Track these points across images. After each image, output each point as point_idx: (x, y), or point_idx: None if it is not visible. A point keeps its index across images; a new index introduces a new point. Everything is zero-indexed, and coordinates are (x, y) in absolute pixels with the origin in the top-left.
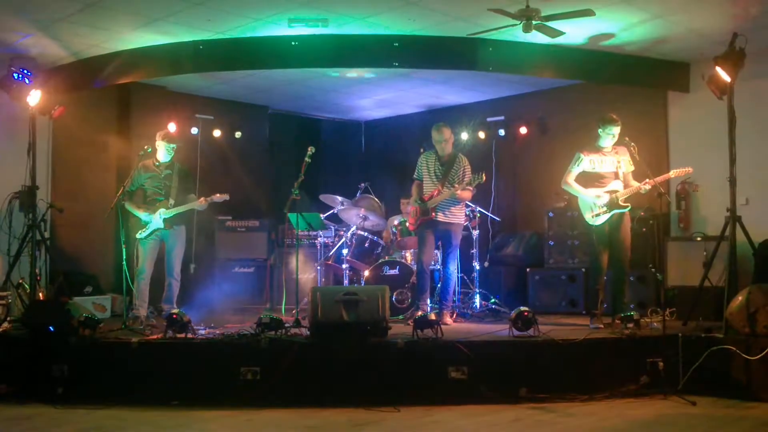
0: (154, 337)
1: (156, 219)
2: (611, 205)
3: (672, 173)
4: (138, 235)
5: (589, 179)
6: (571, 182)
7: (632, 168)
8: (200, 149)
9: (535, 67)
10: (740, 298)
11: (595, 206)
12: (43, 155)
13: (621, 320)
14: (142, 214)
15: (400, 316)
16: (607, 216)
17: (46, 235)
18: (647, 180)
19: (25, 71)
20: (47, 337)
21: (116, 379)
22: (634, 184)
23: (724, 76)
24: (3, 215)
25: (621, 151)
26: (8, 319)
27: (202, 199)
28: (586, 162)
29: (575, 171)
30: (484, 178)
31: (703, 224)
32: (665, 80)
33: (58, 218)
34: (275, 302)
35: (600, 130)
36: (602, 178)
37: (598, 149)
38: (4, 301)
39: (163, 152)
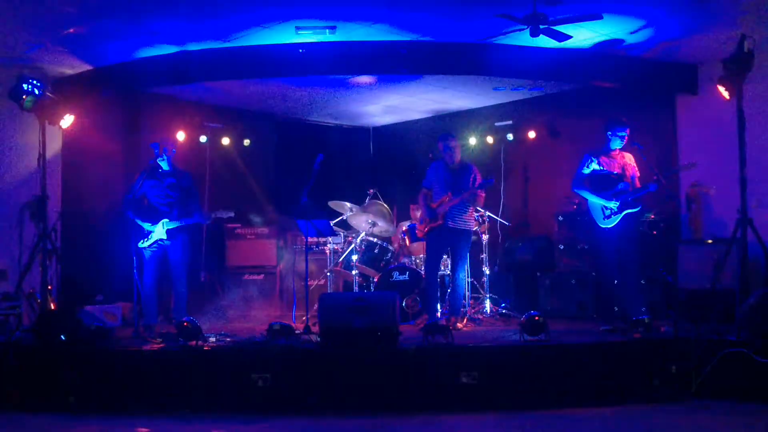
0: (165, 345)
1: (159, 230)
2: (623, 205)
3: (679, 168)
4: (140, 245)
5: (598, 181)
6: (581, 184)
7: (638, 174)
8: (209, 157)
9: (542, 71)
10: (752, 300)
11: (606, 209)
12: (53, 165)
13: (632, 324)
14: (144, 225)
15: (411, 322)
16: (618, 217)
17: (57, 244)
18: (655, 177)
19: (35, 81)
20: (59, 346)
21: (128, 388)
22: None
23: (733, 77)
24: (14, 225)
25: (627, 156)
26: (20, 328)
27: (205, 214)
28: (595, 164)
29: (585, 173)
30: (493, 182)
31: (714, 226)
32: (673, 83)
33: (68, 228)
34: (285, 309)
35: (609, 133)
36: (611, 180)
37: (606, 152)
38: (15, 311)
39: (161, 160)
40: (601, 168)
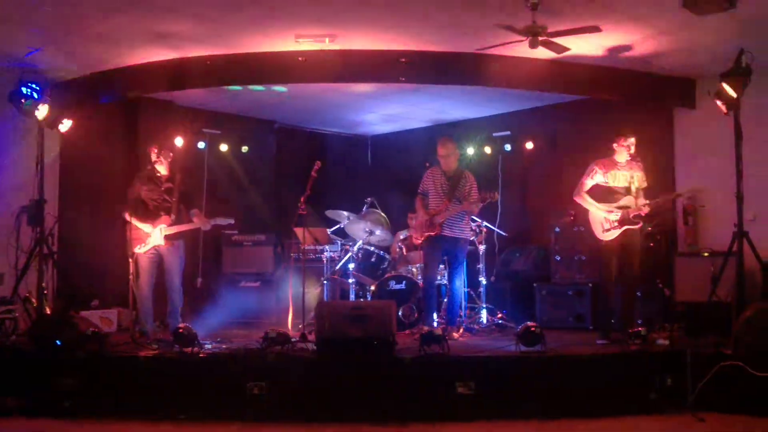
0: (160, 351)
1: (156, 234)
2: (623, 221)
3: (682, 194)
4: (137, 249)
5: (601, 193)
6: (584, 195)
7: (645, 184)
8: (207, 163)
9: (541, 82)
10: (748, 313)
11: (606, 222)
12: (51, 169)
13: (629, 336)
14: (144, 226)
15: (407, 331)
16: (617, 232)
17: (54, 248)
18: (654, 199)
19: (34, 85)
20: (54, 351)
21: (123, 394)
22: (641, 202)
23: (731, 92)
24: (11, 229)
25: (635, 167)
26: (15, 333)
27: (205, 219)
28: (600, 176)
29: (589, 183)
30: (496, 197)
31: (711, 239)
32: (671, 96)
33: (65, 232)
34: (281, 317)
35: (615, 144)
36: (614, 193)
37: (613, 163)
38: (11, 315)
39: (159, 164)
40: (606, 180)
